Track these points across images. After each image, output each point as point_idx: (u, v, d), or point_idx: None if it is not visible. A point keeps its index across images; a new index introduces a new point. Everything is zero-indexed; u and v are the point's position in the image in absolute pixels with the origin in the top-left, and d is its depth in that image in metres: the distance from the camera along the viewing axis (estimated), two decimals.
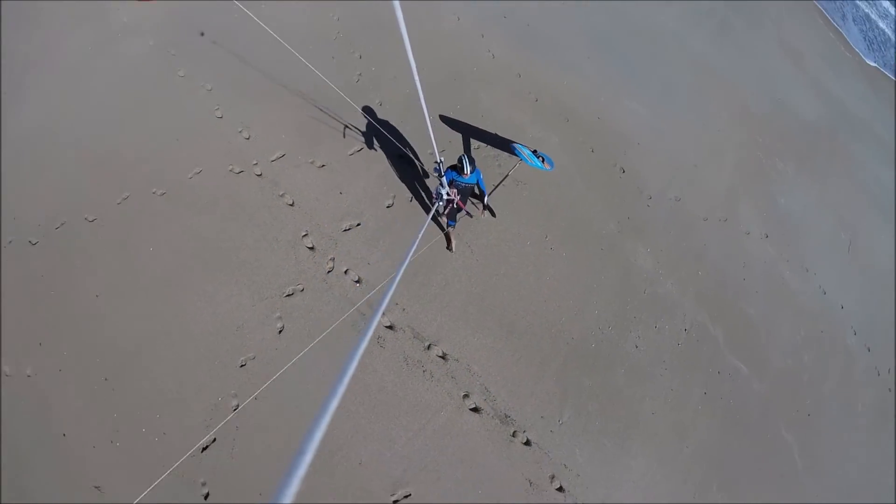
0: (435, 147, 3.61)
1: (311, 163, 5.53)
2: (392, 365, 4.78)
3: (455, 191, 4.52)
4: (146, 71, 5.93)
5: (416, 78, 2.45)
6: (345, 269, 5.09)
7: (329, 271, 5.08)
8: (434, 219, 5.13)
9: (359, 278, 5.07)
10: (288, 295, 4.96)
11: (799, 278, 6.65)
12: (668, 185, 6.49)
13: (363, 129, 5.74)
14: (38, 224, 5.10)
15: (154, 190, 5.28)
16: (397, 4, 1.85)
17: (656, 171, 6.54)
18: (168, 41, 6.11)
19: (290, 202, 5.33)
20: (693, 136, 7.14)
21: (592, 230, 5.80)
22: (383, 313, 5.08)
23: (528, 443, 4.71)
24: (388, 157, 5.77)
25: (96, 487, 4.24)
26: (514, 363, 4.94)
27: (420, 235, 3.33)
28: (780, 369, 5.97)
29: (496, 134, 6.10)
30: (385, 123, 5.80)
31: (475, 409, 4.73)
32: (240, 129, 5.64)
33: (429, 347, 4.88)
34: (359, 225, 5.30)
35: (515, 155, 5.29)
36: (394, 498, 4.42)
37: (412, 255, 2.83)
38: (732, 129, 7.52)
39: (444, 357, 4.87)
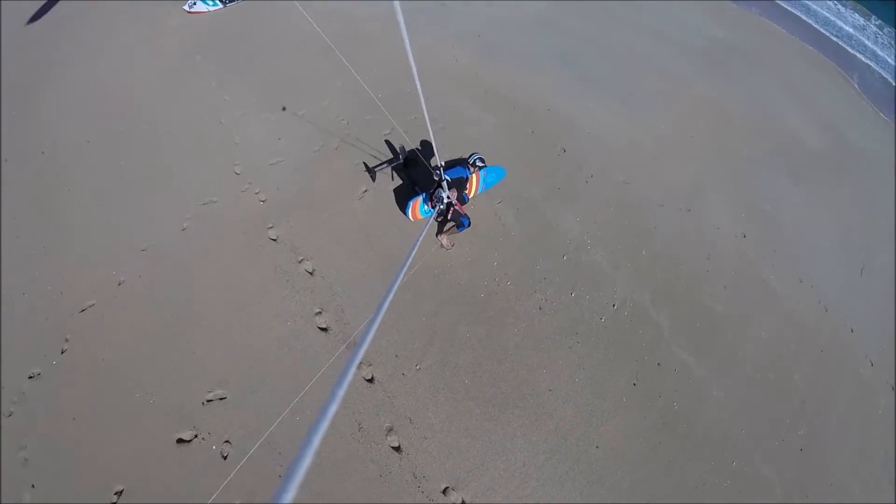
0: (436, 151, 3.49)
1: (267, 117, 5.88)
2: (262, 271, 4.19)
3: (455, 192, 4.06)
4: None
5: (417, 79, 2.39)
6: (256, 190, 4.96)
7: (243, 191, 4.97)
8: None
9: (265, 199, 4.86)
10: (204, 203, 4.89)
11: (788, 285, 4.91)
12: (616, 168, 5.55)
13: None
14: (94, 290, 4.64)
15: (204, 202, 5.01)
16: (397, 5, 1.82)
17: (604, 155, 5.70)
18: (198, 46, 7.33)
19: (240, 169, 5.50)
20: (656, 134, 6.26)
21: (509, 191, 5.01)
22: (271, 226, 4.72)
23: (371, 380, 3.58)
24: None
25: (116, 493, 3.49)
26: (379, 292, 3.98)
27: (416, 247, 2.56)
28: (755, 382, 4.12)
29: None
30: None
31: (323, 329, 3.82)
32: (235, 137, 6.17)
33: (300, 262, 4.24)
34: (283, 161, 5.26)
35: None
36: (207, 398, 3.54)
37: (405, 272, 2.13)
38: (708, 136, 6.48)
39: (311, 272, 4.16)
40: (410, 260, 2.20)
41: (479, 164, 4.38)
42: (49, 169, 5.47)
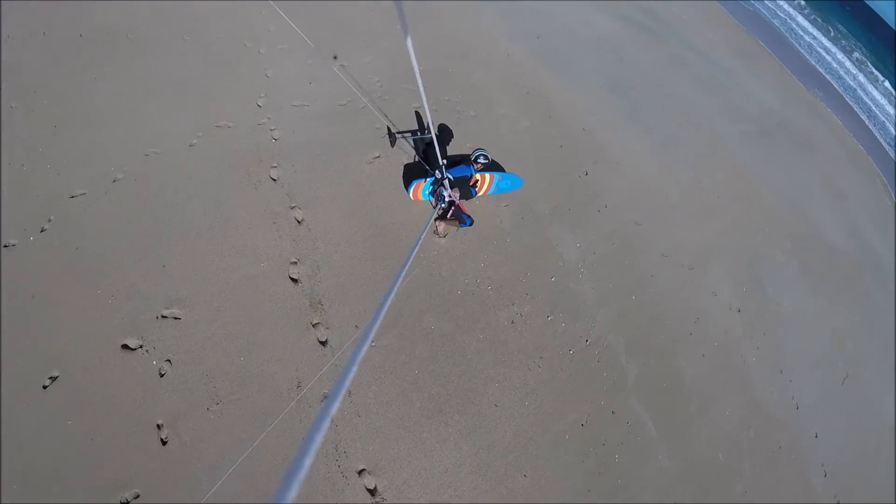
0: (438, 152, 3.35)
1: (305, 59, 5.70)
2: (252, 207, 4.05)
3: (457, 192, 3.91)
4: None
5: (419, 80, 2.30)
6: (272, 127, 4.81)
7: (260, 124, 4.82)
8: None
9: (278, 137, 4.71)
10: (218, 126, 4.75)
11: (766, 372, 4.70)
12: (632, 206, 5.32)
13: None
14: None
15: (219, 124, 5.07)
16: (401, 4, 1.73)
17: (625, 191, 5.46)
18: None
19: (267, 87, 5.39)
20: (682, 186, 6.00)
21: (518, 198, 4.79)
22: (275, 166, 4.59)
23: (324, 343, 3.47)
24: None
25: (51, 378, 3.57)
26: (361, 260, 3.88)
27: (416, 248, 2.42)
28: (703, 459, 3.95)
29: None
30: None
31: (294, 280, 3.70)
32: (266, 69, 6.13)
33: (292, 208, 4.10)
34: (306, 106, 5.10)
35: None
36: (162, 313, 3.45)
37: (405, 274, 2.00)
38: (733, 202, 6.20)
39: (300, 221, 4.02)
40: (411, 261, 2.07)
41: (481, 160, 4.10)
42: (82, 53, 5.34)
